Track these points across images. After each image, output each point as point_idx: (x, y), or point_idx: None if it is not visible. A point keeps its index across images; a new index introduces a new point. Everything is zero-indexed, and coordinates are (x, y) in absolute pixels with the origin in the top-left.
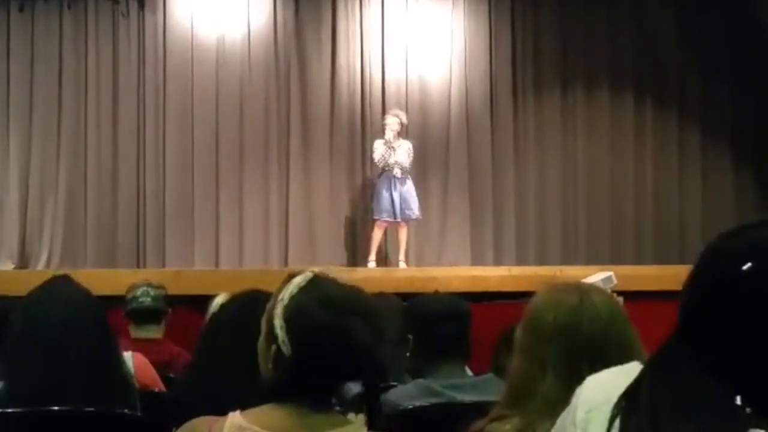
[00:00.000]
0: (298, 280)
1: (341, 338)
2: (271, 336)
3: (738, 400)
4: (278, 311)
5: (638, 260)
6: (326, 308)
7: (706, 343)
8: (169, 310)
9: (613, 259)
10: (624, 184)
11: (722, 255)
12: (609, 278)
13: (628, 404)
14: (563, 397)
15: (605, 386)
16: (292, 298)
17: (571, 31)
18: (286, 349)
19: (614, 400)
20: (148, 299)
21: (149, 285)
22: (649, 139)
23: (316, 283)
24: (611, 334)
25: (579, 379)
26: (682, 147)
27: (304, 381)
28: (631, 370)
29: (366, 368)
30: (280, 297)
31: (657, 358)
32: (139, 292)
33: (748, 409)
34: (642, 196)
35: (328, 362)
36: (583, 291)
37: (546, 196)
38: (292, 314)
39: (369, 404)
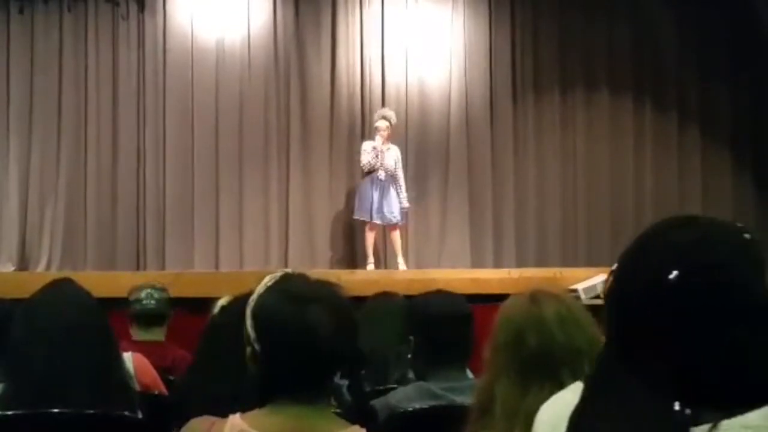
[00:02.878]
0: (266, 280)
1: (301, 329)
2: (246, 339)
3: (677, 406)
4: (248, 312)
5: None
6: (287, 302)
7: (637, 352)
8: (172, 312)
9: (613, 260)
10: (624, 186)
11: (646, 262)
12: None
13: (575, 426)
14: (519, 405)
15: (557, 407)
16: (260, 296)
17: (571, 32)
18: (258, 347)
19: (565, 419)
20: (153, 302)
21: (153, 287)
22: (648, 140)
23: (283, 280)
24: (558, 345)
25: (531, 387)
26: (681, 148)
27: (279, 377)
28: (579, 388)
29: (335, 357)
30: (251, 299)
31: (594, 373)
32: (143, 295)
33: (687, 411)
34: (641, 198)
35: (292, 354)
36: (534, 301)
37: (546, 197)
38: (258, 312)
39: (354, 396)
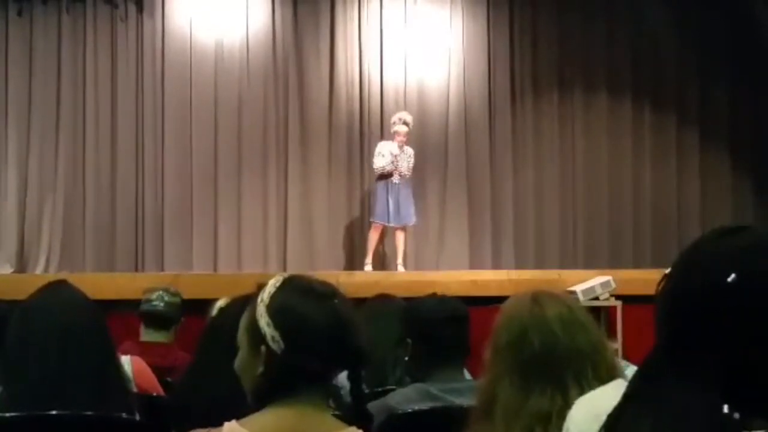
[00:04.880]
0: (273, 281)
1: (332, 323)
2: (258, 339)
3: (726, 409)
4: (261, 312)
5: (637, 264)
6: (308, 297)
7: (691, 355)
8: (182, 318)
9: (612, 262)
10: (622, 188)
11: (702, 266)
12: (607, 282)
13: (615, 422)
14: (520, 406)
15: (594, 405)
16: (273, 296)
17: (569, 34)
18: (277, 346)
19: (603, 417)
20: (162, 304)
21: (166, 291)
22: (647, 142)
23: (291, 280)
24: (561, 346)
25: (533, 389)
26: (680, 150)
27: (300, 373)
28: (619, 386)
29: (354, 349)
30: (259, 300)
31: (641, 373)
32: (154, 296)
33: (736, 415)
34: (640, 200)
35: (321, 346)
36: (536, 302)
37: (544, 199)
38: (277, 310)
39: (354, 397)
